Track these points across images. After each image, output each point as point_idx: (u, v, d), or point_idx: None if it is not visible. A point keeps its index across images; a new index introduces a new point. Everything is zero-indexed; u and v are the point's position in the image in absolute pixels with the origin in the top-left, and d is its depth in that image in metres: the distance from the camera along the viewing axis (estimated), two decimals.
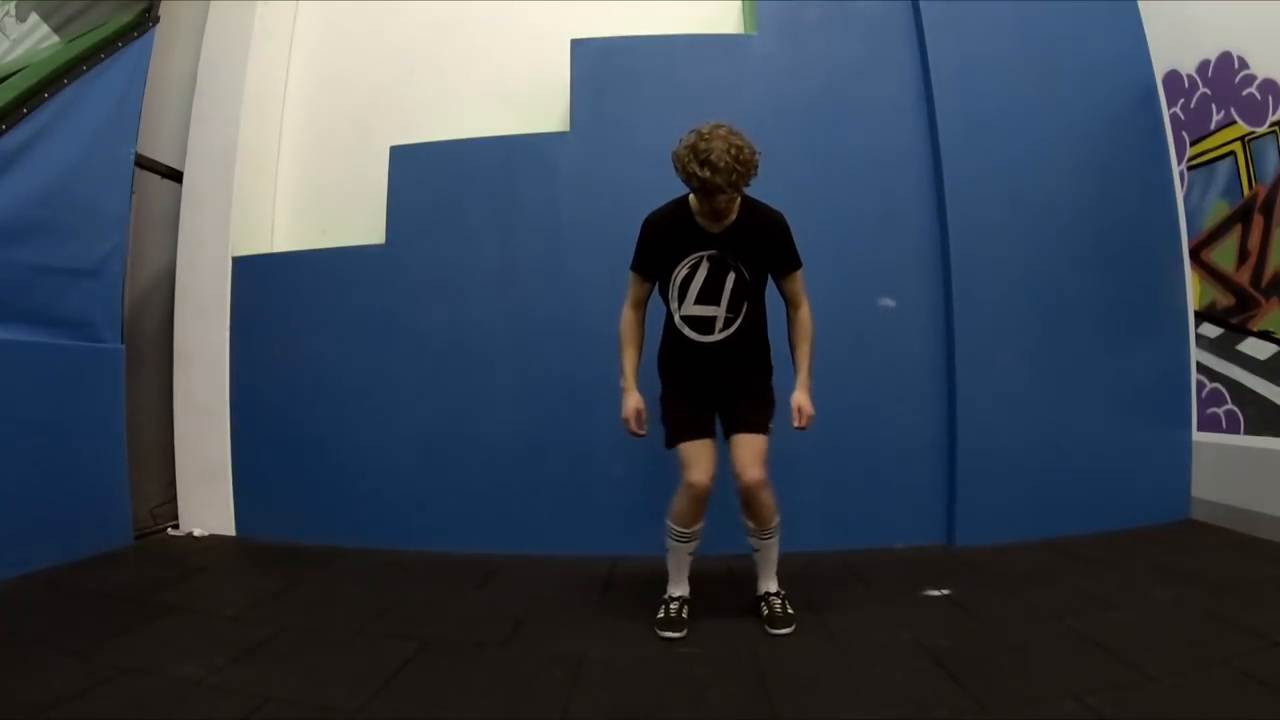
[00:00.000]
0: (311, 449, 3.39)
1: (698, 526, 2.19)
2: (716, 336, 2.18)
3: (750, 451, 2.11)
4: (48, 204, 2.97)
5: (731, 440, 2.18)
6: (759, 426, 2.16)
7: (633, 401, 2.22)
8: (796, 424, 2.16)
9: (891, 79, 3.29)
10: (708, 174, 1.93)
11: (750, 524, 2.20)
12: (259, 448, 3.47)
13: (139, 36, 3.39)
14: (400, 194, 3.41)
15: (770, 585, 2.27)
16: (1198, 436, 3.26)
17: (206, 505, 3.51)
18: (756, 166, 1.99)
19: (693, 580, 2.30)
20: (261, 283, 3.54)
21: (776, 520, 2.20)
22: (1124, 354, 3.23)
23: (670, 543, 2.23)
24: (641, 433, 2.23)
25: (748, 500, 2.14)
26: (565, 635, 2.18)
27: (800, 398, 2.18)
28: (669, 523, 2.20)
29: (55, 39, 3.17)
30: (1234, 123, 3.07)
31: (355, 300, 3.41)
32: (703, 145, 1.94)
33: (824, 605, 2.32)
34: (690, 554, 2.25)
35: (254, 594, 2.59)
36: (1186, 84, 3.30)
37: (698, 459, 2.12)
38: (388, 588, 2.68)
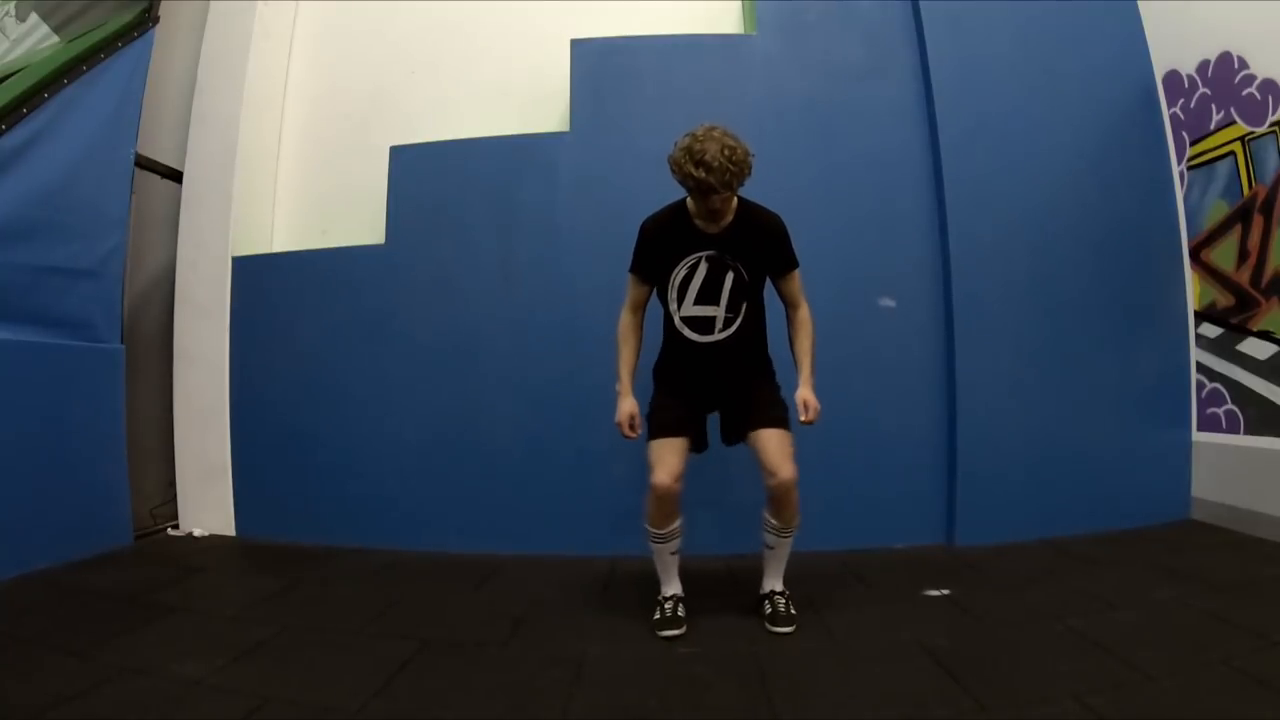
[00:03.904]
0: (311, 449, 3.39)
1: (673, 526, 2.18)
2: (716, 336, 2.19)
3: (780, 449, 2.10)
4: (48, 204, 2.97)
5: (755, 437, 2.15)
6: (781, 421, 2.16)
7: (627, 406, 2.23)
8: (803, 419, 2.16)
9: (891, 79, 3.29)
10: (702, 174, 1.96)
11: (774, 521, 2.18)
12: (259, 448, 3.47)
13: (139, 36, 3.39)
14: (400, 194, 3.41)
15: (776, 584, 2.27)
16: (1198, 436, 3.26)
17: (206, 505, 3.50)
18: (750, 167, 2.03)
19: (693, 580, 2.30)
20: (261, 283, 3.54)
21: (798, 520, 2.18)
22: (1124, 354, 3.23)
23: (650, 544, 2.23)
24: (635, 435, 2.23)
25: (778, 498, 2.11)
26: (565, 635, 2.17)
27: (805, 393, 2.18)
28: (645, 525, 2.20)
29: (55, 39, 3.17)
30: (1234, 123, 3.07)
31: (355, 300, 3.41)
32: (697, 146, 1.97)
33: (824, 605, 2.32)
34: (673, 553, 2.24)
35: (254, 594, 2.59)
36: (1186, 84, 3.30)
37: (663, 458, 2.11)
38: (388, 588, 2.68)
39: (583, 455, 3.11)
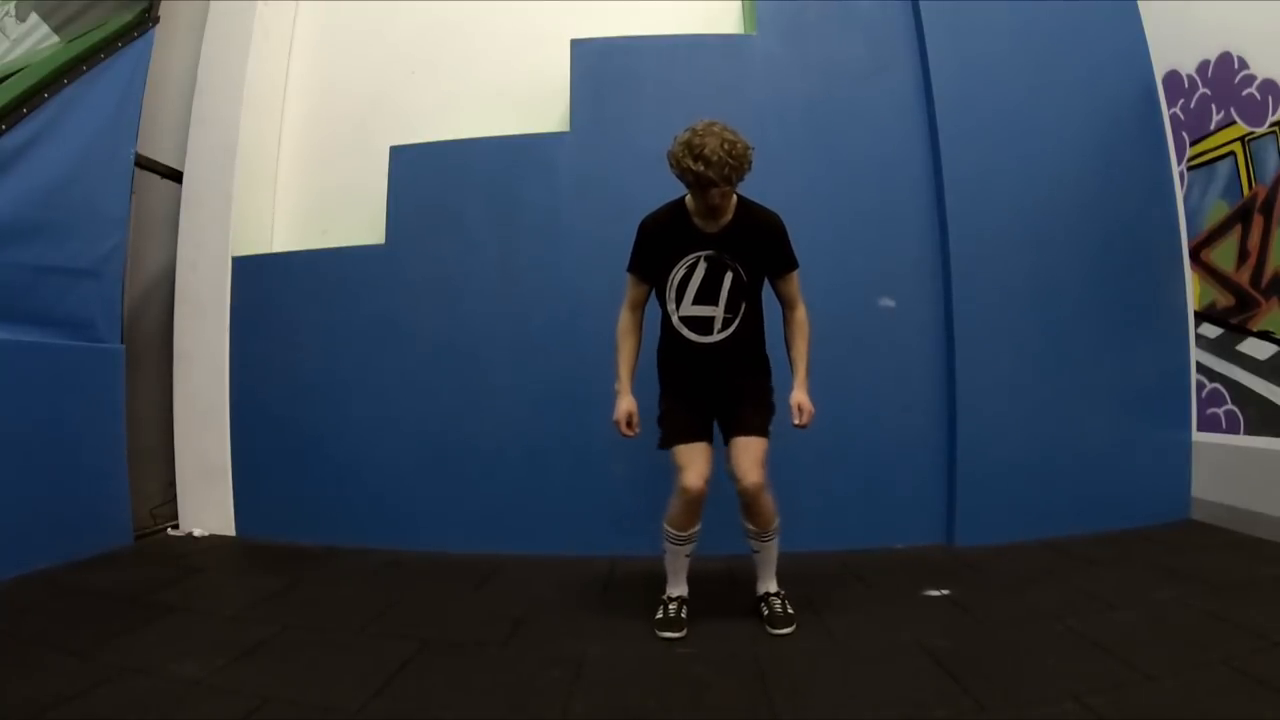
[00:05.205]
0: (311, 449, 3.39)
1: (694, 529, 2.19)
2: (715, 337, 2.18)
3: (750, 455, 2.11)
4: (48, 204, 2.97)
5: (731, 444, 2.17)
6: (758, 429, 2.16)
7: (625, 405, 2.22)
8: (797, 422, 2.16)
9: (891, 79, 3.29)
10: (701, 168, 1.96)
11: (750, 527, 2.20)
12: (259, 448, 3.47)
13: (139, 36, 3.39)
14: (400, 194, 3.42)
15: (770, 585, 2.27)
16: (1198, 436, 3.26)
17: (206, 505, 3.51)
18: (750, 161, 2.03)
19: (692, 580, 2.30)
20: (261, 283, 3.54)
21: (776, 522, 2.20)
22: (1124, 354, 3.23)
23: (667, 545, 2.23)
24: (632, 434, 2.23)
25: (748, 504, 2.14)
26: (565, 635, 2.18)
27: (800, 396, 2.19)
28: (665, 526, 2.20)
29: (55, 39, 3.17)
30: (1234, 123, 3.07)
31: (355, 300, 3.41)
32: (697, 140, 1.97)
33: (824, 605, 2.32)
34: (688, 555, 2.25)
35: (254, 594, 2.59)
36: (1186, 84, 3.30)
37: (692, 462, 2.11)
38: (388, 588, 2.68)
39: (583, 455, 3.11)
